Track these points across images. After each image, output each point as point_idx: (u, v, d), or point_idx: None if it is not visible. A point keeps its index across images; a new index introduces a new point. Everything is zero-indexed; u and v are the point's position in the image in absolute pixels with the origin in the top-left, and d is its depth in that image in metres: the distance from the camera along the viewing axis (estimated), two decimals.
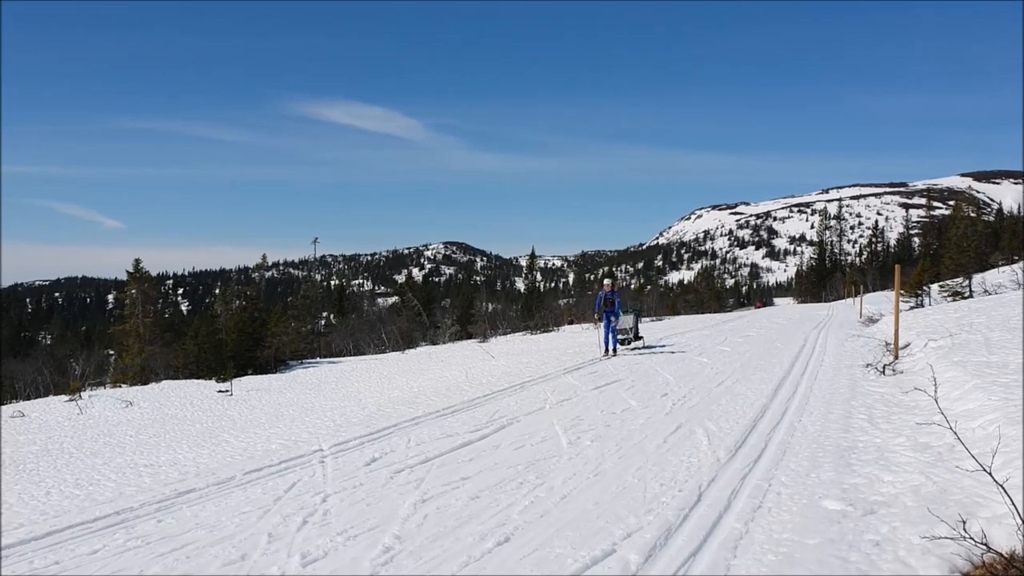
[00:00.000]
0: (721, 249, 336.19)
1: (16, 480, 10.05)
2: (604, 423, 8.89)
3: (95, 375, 39.23)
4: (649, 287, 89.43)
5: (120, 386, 29.52)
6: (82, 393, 24.10)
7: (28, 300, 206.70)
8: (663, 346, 19.44)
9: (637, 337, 19.04)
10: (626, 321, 18.61)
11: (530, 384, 13.45)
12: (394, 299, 70.66)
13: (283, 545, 5.12)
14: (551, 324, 43.70)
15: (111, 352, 44.68)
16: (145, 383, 29.08)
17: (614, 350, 17.49)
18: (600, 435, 8.16)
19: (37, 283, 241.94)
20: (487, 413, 10.41)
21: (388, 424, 10.22)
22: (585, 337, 28.32)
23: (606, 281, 18.35)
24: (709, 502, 5.48)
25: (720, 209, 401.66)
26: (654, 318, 44.65)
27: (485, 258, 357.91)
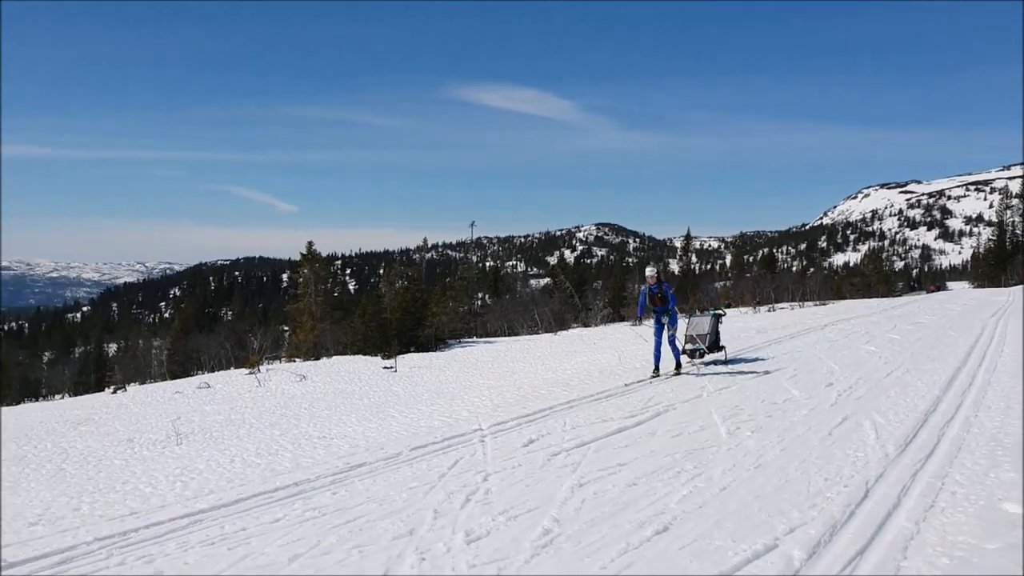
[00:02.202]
0: (890, 230, 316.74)
1: (205, 447, 10.99)
2: (765, 413, 8.70)
3: (271, 350, 41.98)
4: (812, 269, 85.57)
5: (294, 361, 31.45)
6: (260, 367, 25.89)
7: (211, 278, 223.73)
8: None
9: (717, 346, 14.40)
10: (698, 325, 14.47)
11: (685, 370, 13.31)
12: (546, 280, 71.32)
13: (448, 522, 5.37)
14: (708, 307, 42.77)
15: (285, 328, 47.63)
16: (317, 358, 30.81)
17: (676, 366, 12.87)
18: (761, 426, 8.01)
19: (219, 262, 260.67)
20: (642, 399, 10.41)
21: (544, 406, 10.42)
22: (743, 322, 27.59)
23: (648, 271, 13.48)
24: (877, 499, 5.29)
25: (889, 188, 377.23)
26: (817, 302, 42.80)
27: (638, 239, 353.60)
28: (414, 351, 28.69)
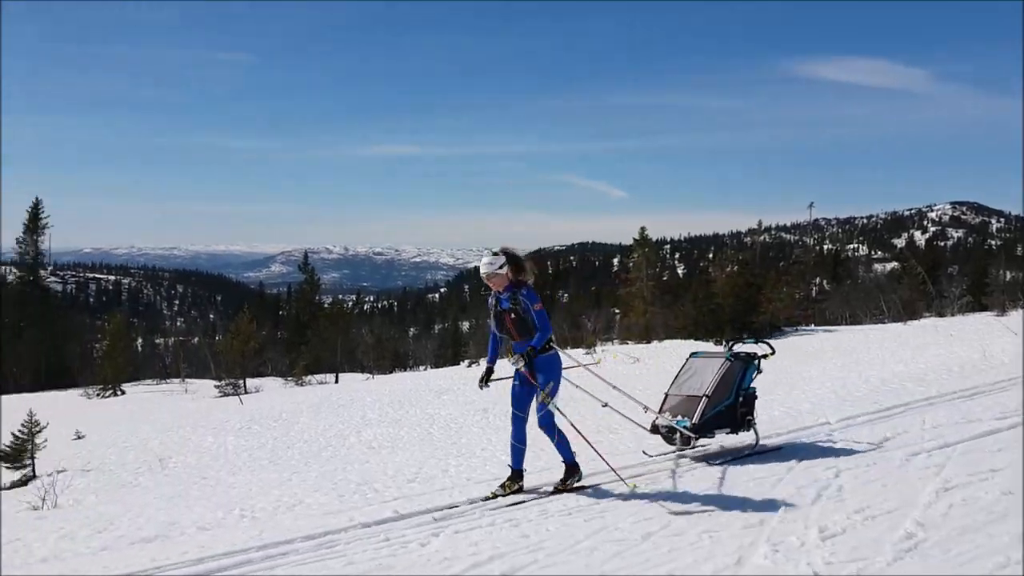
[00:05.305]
0: None
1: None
2: None
3: (604, 331, 43.50)
4: None
5: (627, 343, 32.36)
6: (596, 347, 27.03)
7: (548, 263, 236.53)
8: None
9: (738, 422, 7.56)
10: (694, 377, 7.86)
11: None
12: (892, 265, 65.83)
13: (799, 516, 5.27)
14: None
15: (616, 311, 49.01)
16: (648, 341, 31.43)
17: (566, 474, 6.93)
18: None
19: (556, 247, 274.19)
20: (1015, 399, 9.32)
21: (897, 402, 9.81)
22: None
23: (484, 265, 6.71)
24: None
25: None
26: None
27: (1003, 219, 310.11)
28: (747, 338, 28.16)
